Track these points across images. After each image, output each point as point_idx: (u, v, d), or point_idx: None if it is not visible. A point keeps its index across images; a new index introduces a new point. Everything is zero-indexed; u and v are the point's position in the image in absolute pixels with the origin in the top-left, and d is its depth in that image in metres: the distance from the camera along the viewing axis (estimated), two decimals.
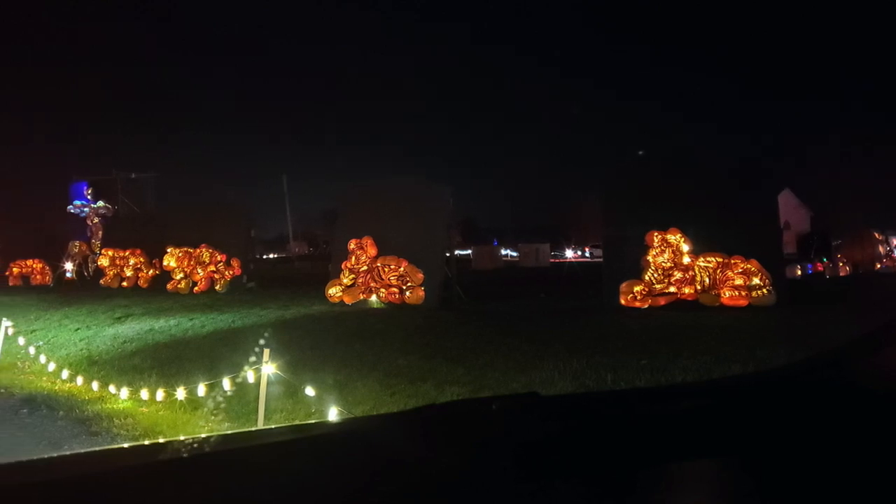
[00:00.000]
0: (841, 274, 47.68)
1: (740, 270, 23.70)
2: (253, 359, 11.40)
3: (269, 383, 10.81)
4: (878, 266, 50.61)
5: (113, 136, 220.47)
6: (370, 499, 1.86)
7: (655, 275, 24.51)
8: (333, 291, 28.61)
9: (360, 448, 2.12)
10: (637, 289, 24.61)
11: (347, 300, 28.02)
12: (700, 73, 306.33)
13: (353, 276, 28.37)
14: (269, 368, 10.79)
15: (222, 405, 11.98)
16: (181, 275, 37.30)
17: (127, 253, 41.81)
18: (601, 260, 30.82)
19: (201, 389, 12.15)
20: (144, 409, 12.90)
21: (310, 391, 11.04)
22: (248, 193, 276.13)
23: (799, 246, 62.96)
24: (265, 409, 10.82)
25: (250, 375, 11.35)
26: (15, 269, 48.53)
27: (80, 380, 14.99)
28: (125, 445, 2.26)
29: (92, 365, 17.45)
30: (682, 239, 24.38)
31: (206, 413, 12.02)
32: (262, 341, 12.01)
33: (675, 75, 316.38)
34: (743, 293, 23.48)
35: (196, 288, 36.46)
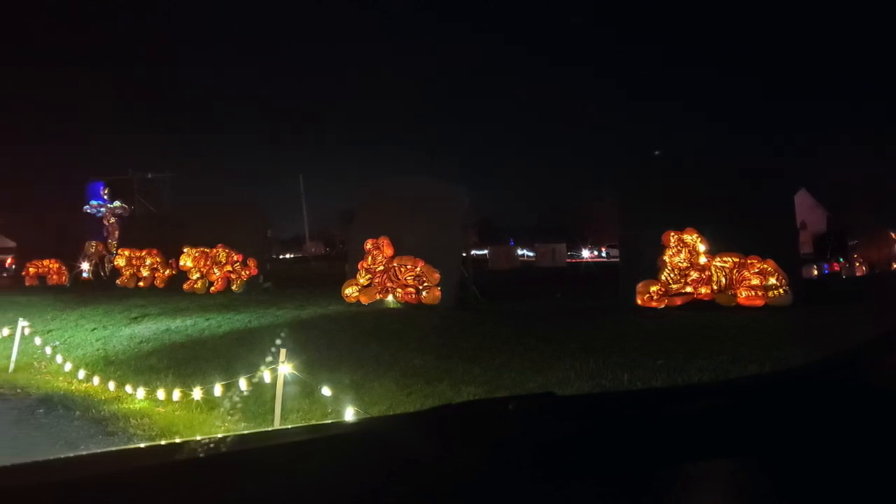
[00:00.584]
0: (857, 274, 47.51)
1: (757, 270, 23.64)
2: (269, 359, 11.41)
3: (285, 383, 10.83)
4: (895, 266, 50.35)
5: (129, 137, 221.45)
6: (386, 499, 1.86)
7: (672, 275, 24.47)
8: (350, 291, 28.64)
9: (376, 448, 2.12)
10: (653, 289, 24.57)
11: (364, 300, 28.05)
12: (715, 72, 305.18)
13: (369, 276, 28.38)
14: (286, 368, 10.80)
15: (239, 405, 12.00)
16: (198, 275, 37.36)
17: (143, 253, 41.87)
18: (617, 260, 30.78)
19: (218, 389, 12.18)
20: (161, 409, 12.93)
21: (326, 391, 11.06)
22: (264, 193, 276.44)
23: (815, 246, 63.02)
24: (281, 409, 10.83)
25: (266, 375, 11.36)
26: (31, 270, 48.62)
27: (96, 380, 15.05)
28: (141, 445, 2.26)
29: (108, 365, 17.50)
30: (699, 239, 24.33)
31: (222, 413, 12.04)
32: (278, 341, 12.01)
33: (691, 75, 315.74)
34: (759, 293, 23.43)
35: (212, 288, 36.52)
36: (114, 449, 2.05)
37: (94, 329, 23.15)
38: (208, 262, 37.15)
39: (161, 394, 13.02)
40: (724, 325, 19.10)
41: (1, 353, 19.28)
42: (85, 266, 48.32)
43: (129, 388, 13.79)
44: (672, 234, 24.55)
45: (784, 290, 23.41)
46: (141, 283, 41.16)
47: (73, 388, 15.52)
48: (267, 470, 1.93)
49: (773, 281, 23.48)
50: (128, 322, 24.21)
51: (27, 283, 47.63)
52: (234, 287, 36.19)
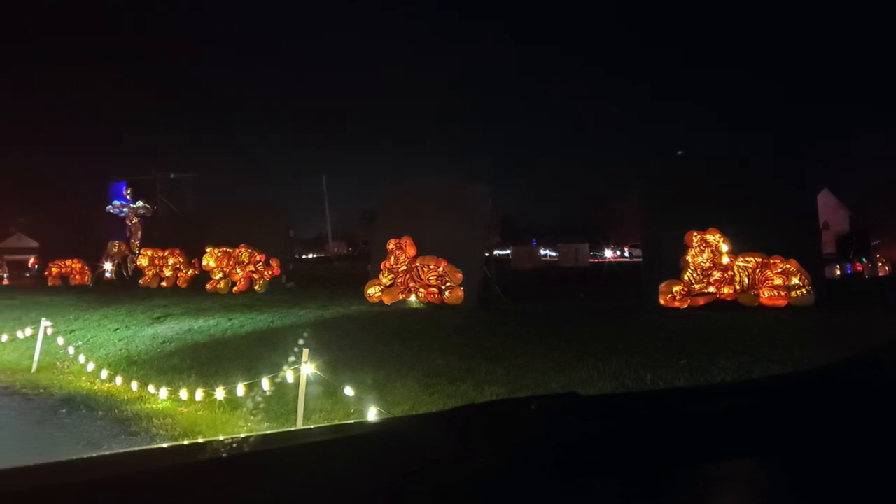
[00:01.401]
0: (880, 274, 47.29)
1: (779, 270, 23.56)
2: (292, 359, 11.44)
3: (308, 383, 10.85)
4: None
5: (152, 136, 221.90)
6: (408, 499, 1.86)
7: (695, 275, 24.42)
8: (372, 291, 28.64)
9: (398, 448, 2.12)
10: (676, 289, 24.52)
11: (386, 300, 28.05)
12: (738, 72, 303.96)
13: (392, 276, 28.37)
14: (309, 368, 10.83)
15: (261, 405, 12.03)
16: (220, 275, 37.41)
17: (166, 253, 41.92)
18: (640, 260, 30.72)
19: (240, 389, 12.21)
20: (183, 409, 12.98)
21: (349, 391, 11.08)
22: (287, 193, 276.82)
23: (838, 246, 62.76)
24: (304, 409, 10.85)
25: (289, 375, 11.39)
26: (54, 270, 48.88)
27: (119, 380, 15.12)
28: (164, 446, 2.27)
29: (131, 365, 17.57)
30: (722, 239, 24.26)
31: (245, 413, 12.08)
32: (301, 341, 12.04)
33: (713, 75, 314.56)
34: (782, 293, 23.35)
35: (235, 288, 36.57)
36: (136, 449, 2.05)
37: (117, 329, 23.22)
38: (231, 262, 37.20)
39: (184, 394, 13.07)
40: (747, 326, 19.05)
41: (24, 353, 19.42)
42: (108, 266, 48.52)
43: (151, 388, 13.86)
44: (695, 234, 24.50)
45: (807, 290, 23.34)
46: (163, 283, 41.23)
47: (95, 388, 15.60)
48: (289, 470, 1.93)
49: (795, 281, 23.41)
50: (150, 322, 24.28)
51: (50, 283, 47.90)
52: (256, 287, 36.24)
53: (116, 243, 49.58)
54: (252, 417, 11.93)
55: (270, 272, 36.40)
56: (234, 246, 37.12)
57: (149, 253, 42.78)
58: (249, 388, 12.23)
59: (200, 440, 2.18)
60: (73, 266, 48.45)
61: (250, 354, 16.99)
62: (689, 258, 24.54)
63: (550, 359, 15.19)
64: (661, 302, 24.62)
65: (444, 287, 27.12)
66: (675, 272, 24.89)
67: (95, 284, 46.10)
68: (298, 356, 11.05)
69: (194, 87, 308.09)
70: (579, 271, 62.52)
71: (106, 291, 39.43)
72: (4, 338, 19.92)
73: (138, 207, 54.90)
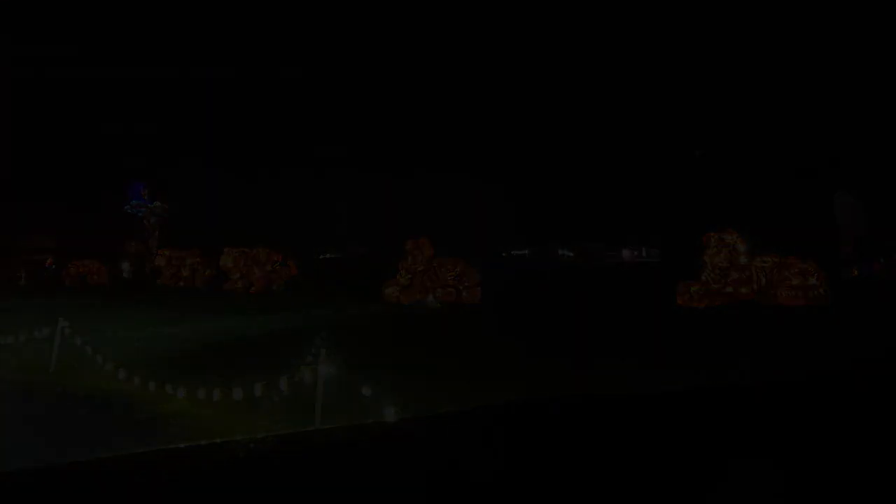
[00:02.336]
0: None
1: (797, 270, 23.56)
2: (310, 359, 11.46)
3: (325, 383, 10.86)
4: None
5: (167, 137, 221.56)
6: (425, 497, 1.89)
7: (712, 275, 24.42)
8: (390, 291, 28.69)
9: (415, 448, 2.15)
10: (694, 289, 24.52)
11: (404, 300, 28.11)
12: (752, 70, 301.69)
13: (409, 276, 28.42)
14: (326, 368, 10.83)
15: (279, 405, 12.05)
16: (238, 275, 37.47)
17: (184, 253, 41.93)
18: (658, 260, 30.80)
19: (258, 389, 12.23)
20: (201, 409, 12.99)
21: (366, 391, 11.10)
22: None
23: (855, 246, 62.69)
24: (321, 409, 10.88)
25: (307, 375, 11.40)
26: (71, 270, 48.97)
27: (136, 380, 15.12)
28: (182, 446, 2.30)
29: (149, 365, 17.57)
30: (739, 239, 24.27)
31: (263, 413, 12.10)
32: (318, 341, 12.05)
33: (724, 73, 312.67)
34: (799, 293, 23.34)
35: (252, 288, 36.63)
36: (155, 449, 2.08)
37: (135, 329, 23.25)
38: (248, 263, 37.27)
39: (201, 394, 13.07)
40: (764, 325, 19.08)
41: (41, 353, 19.44)
42: (125, 266, 48.64)
43: (169, 388, 13.86)
44: (712, 234, 24.53)
45: (824, 290, 23.34)
46: (181, 283, 41.34)
47: (113, 387, 15.61)
48: (306, 469, 1.96)
49: (812, 281, 23.41)
50: (168, 322, 24.33)
51: (68, 283, 48.00)
52: (274, 287, 36.33)
53: (134, 243, 49.75)
54: (270, 417, 11.96)
55: (288, 272, 36.48)
56: (252, 246, 37.09)
57: (166, 253, 42.89)
58: (267, 387, 12.25)
59: (218, 440, 2.21)
60: (91, 266, 48.55)
61: (268, 354, 17.02)
62: (706, 258, 24.56)
63: (566, 358, 15.27)
64: (679, 302, 24.64)
65: (461, 287, 27.18)
66: (693, 272, 24.90)
67: (113, 284, 46.20)
68: (316, 356, 11.07)
69: (211, 87, 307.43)
70: (596, 271, 62.55)
71: (123, 291, 39.52)
72: (22, 338, 19.95)
73: (155, 207, 55.05)
